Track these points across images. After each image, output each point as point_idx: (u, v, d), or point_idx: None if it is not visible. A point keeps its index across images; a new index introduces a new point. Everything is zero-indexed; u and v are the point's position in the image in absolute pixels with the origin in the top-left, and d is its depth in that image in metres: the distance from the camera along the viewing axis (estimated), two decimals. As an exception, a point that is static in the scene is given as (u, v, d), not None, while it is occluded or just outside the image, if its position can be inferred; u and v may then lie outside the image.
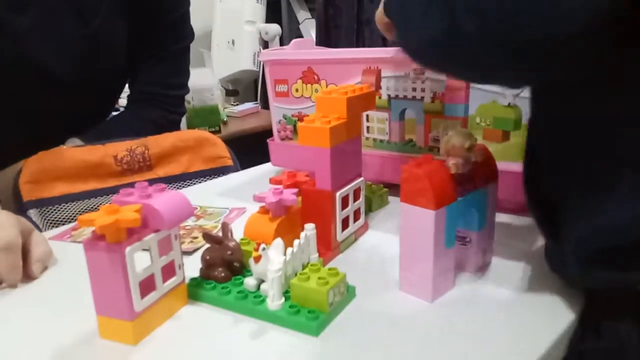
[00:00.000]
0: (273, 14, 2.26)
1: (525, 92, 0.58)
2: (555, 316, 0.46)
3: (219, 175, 0.95)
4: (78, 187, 0.85)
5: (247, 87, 2.41)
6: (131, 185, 0.94)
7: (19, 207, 0.80)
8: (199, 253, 0.53)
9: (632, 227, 0.40)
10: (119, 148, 0.89)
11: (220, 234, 0.51)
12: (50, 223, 0.81)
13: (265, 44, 2.23)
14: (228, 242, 0.50)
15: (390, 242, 0.51)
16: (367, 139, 0.71)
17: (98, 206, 0.86)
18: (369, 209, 0.67)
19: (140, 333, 0.43)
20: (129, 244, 0.41)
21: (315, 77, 0.72)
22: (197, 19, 1.10)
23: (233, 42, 2.21)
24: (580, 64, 0.38)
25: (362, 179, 0.59)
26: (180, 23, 0.97)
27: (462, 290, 0.50)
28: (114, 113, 1.05)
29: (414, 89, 0.65)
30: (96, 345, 0.44)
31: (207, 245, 0.52)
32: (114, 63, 0.93)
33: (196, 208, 0.73)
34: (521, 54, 0.36)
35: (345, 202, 0.56)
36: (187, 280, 0.49)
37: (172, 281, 0.46)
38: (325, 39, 1.63)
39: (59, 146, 0.89)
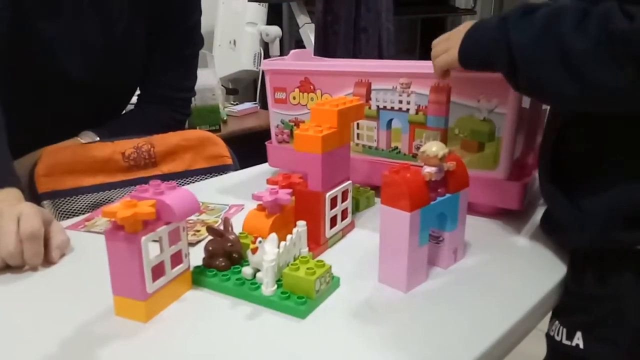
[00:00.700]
0: (274, 16, 2.32)
1: (499, 109, 0.64)
2: (511, 306, 0.52)
3: (219, 173, 1.01)
4: (88, 180, 0.91)
5: (247, 86, 2.47)
6: (137, 180, 1.01)
7: (35, 197, 0.86)
8: (202, 244, 0.59)
9: None
10: (127, 145, 0.95)
11: (221, 227, 0.58)
12: (62, 214, 0.88)
13: (265, 45, 2.29)
14: (228, 235, 0.57)
15: (373, 239, 0.57)
16: (357, 145, 0.77)
17: (106, 199, 0.93)
18: (356, 209, 0.73)
19: (150, 312, 0.50)
20: (144, 234, 0.48)
21: (312, 86, 0.79)
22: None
23: (234, 42, 2.27)
24: None
25: (349, 182, 0.66)
26: (193, 31, 1.04)
27: (433, 283, 0.57)
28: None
29: (400, 102, 0.72)
30: (112, 321, 0.50)
31: (210, 238, 0.58)
32: (131, 67, 1.00)
33: (199, 202, 0.79)
34: None
35: (333, 203, 0.63)
36: (191, 268, 0.56)
37: (179, 268, 0.53)
38: (323, 44, 1.69)
39: (74, 138, 0.96)
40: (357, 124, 0.76)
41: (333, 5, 1.65)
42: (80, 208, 0.90)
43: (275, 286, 0.52)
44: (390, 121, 0.74)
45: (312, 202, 0.61)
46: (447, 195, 0.56)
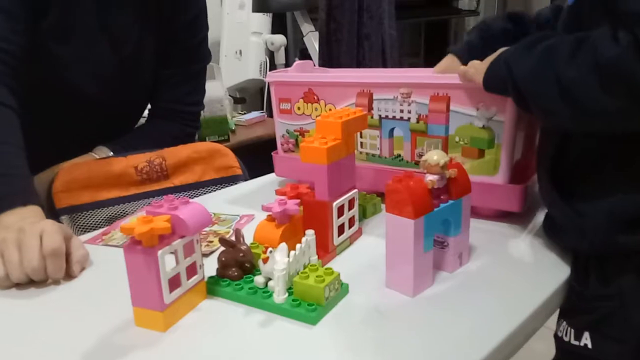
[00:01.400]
0: (278, 25, 2.35)
1: (497, 116, 0.66)
2: (517, 306, 0.54)
3: (229, 184, 1.04)
4: (104, 195, 0.94)
5: (254, 95, 2.51)
6: (151, 193, 1.04)
7: (53, 213, 0.89)
8: (215, 255, 0.62)
9: None
10: (139, 159, 0.98)
11: (233, 238, 0.60)
12: (80, 228, 0.91)
13: (271, 54, 2.32)
14: (240, 246, 0.59)
15: (380, 246, 0.59)
16: (360, 153, 0.79)
17: (121, 212, 0.96)
18: (363, 216, 0.75)
19: (168, 322, 0.52)
20: (161, 247, 0.50)
21: (315, 97, 0.81)
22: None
23: (240, 52, 2.31)
24: None
25: (355, 190, 0.68)
26: (200, 46, 1.07)
27: (440, 288, 0.58)
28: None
29: (402, 111, 0.74)
30: (132, 331, 0.52)
31: (222, 248, 0.61)
32: (142, 84, 1.03)
33: (211, 215, 0.82)
34: None
35: (340, 211, 0.65)
36: (206, 278, 0.58)
37: (194, 279, 0.55)
38: (327, 51, 1.71)
39: (88, 153, 0.99)
40: (361, 132, 0.79)
41: (335, 14, 1.67)
42: (97, 222, 0.93)
43: (287, 294, 0.54)
44: (392, 130, 0.76)
45: (320, 212, 0.63)
46: (450, 201, 0.58)
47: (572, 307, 0.60)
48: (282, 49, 2.27)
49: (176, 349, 0.50)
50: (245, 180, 1.04)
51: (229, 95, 2.02)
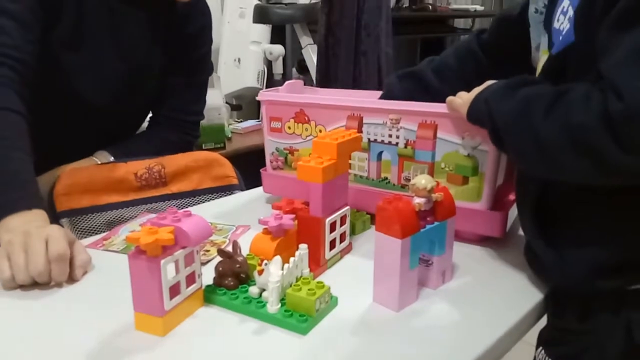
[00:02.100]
0: (278, 35, 2.39)
1: (482, 146, 0.70)
2: (495, 322, 0.58)
3: (225, 193, 1.07)
4: (103, 199, 0.97)
5: (250, 103, 2.54)
6: (149, 199, 1.06)
7: (53, 215, 0.92)
8: (211, 264, 0.65)
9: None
10: (139, 166, 1.01)
11: (230, 249, 0.63)
12: (79, 231, 0.94)
13: (269, 64, 2.36)
14: (237, 257, 0.62)
15: (368, 261, 0.62)
16: (349, 174, 0.83)
17: (120, 217, 0.99)
18: (353, 232, 0.79)
19: (167, 327, 0.56)
20: (164, 257, 0.53)
21: (306, 117, 0.84)
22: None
23: (239, 60, 2.34)
24: None
25: (347, 207, 0.71)
26: (204, 59, 1.11)
27: (424, 303, 0.62)
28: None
29: (390, 135, 0.77)
30: (132, 335, 0.56)
31: (219, 258, 0.64)
32: (146, 93, 1.07)
33: (211, 228, 0.85)
34: None
35: (332, 227, 0.69)
36: (203, 287, 0.61)
37: (193, 287, 0.59)
38: (325, 66, 1.76)
39: (90, 157, 1.02)
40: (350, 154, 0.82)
41: (335, 30, 1.72)
42: (96, 225, 0.96)
43: (280, 305, 0.58)
44: (380, 153, 0.79)
45: (314, 227, 0.67)
46: (436, 223, 0.62)
47: (549, 337, 0.63)
48: (280, 59, 2.31)
49: (174, 354, 0.53)
50: (242, 190, 1.07)
51: (226, 102, 2.06)
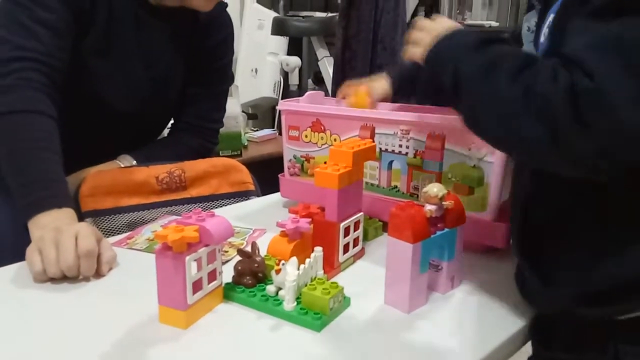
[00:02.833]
0: (294, 47, 2.45)
1: (487, 158, 0.73)
2: (500, 326, 0.60)
3: (242, 198, 1.10)
4: (125, 201, 1.01)
5: (266, 112, 2.59)
6: (169, 202, 1.10)
7: (78, 215, 0.96)
8: (229, 264, 0.68)
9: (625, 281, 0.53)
10: (161, 170, 1.05)
11: (249, 249, 0.67)
12: (102, 231, 0.97)
13: (285, 75, 2.41)
14: (256, 257, 0.66)
15: (380, 266, 0.65)
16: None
17: (140, 219, 1.02)
18: (365, 238, 0.82)
19: (189, 320, 0.59)
20: (188, 254, 0.57)
21: (322, 127, 0.88)
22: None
23: (256, 70, 2.40)
24: None
25: (361, 213, 0.75)
26: (226, 69, 1.16)
27: (433, 306, 0.65)
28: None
29: (400, 145, 0.80)
30: (156, 327, 0.59)
31: (237, 258, 0.67)
32: (168, 101, 1.11)
33: (233, 228, 0.88)
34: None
35: (347, 232, 0.72)
36: (223, 284, 0.65)
37: (214, 284, 0.62)
38: (341, 78, 1.79)
39: (113, 161, 1.06)
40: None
41: (352, 43, 1.76)
42: (118, 226, 0.99)
43: (295, 303, 0.61)
44: (390, 162, 0.82)
45: (329, 231, 0.70)
46: (446, 229, 0.65)
47: None
48: (297, 70, 2.36)
49: (196, 345, 0.56)
50: (258, 196, 1.11)
51: (242, 111, 2.11)
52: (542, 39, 0.58)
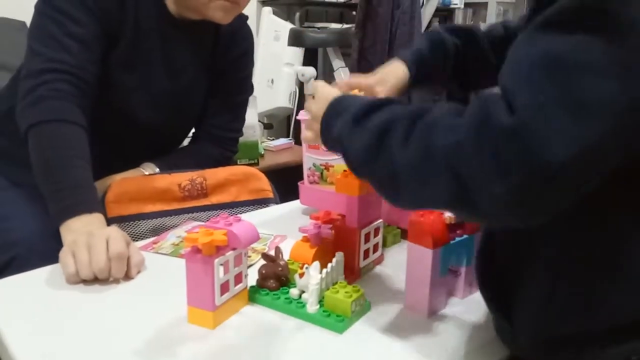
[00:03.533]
0: (310, 58, 2.48)
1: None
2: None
3: (261, 205, 1.13)
4: (149, 208, 1.04)
5: (281, 122, 2.63)
6: (190, 209, 1.13)
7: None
8: (252, 268, 0.71)
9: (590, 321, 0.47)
10: (183, 178, 1.08)
11: (273, 254, 0.69)
12: (127, 236, 1.01)
13: (300, 85, 2.44)
14: (279, 261, 0.68)
15: (399, 271, 0.67)
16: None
17: (163, 225, 1.05)
18: (384, 245, 0.83)
19: (217, 321, 0.61)
20: (217, 257, 0.59)
21: None
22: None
23: (272, 81, 2.44)
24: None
25: (381, 220, 0.77)
26: (246, 80, 1.19)
27: (452, 310, 0.66)
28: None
29: None
30: (185, 327, 0.61)
31: (260, 263, 0.70)
32: (192, 111, 1.14)
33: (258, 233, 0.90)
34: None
35: (367, 238, 0.74)
36: (248, 287, 0.67)
37: (240, 286, 0.64)
38: (356, 88, 1.83)
39: (137, 168, 1.10)
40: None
41: (367, 54, 1.79)
42: (142, 232, 1.02)
43: (318, 306, 0.63)
44: None
45: (349, 237, 0.72)
46: (465, 236, 0.67)
47: None
48: (312, 80, 2.39)
49: (223, 345, 0.59)
50: (277, 203, 1.13)
51: (258, 121, 2.14)
52: None
